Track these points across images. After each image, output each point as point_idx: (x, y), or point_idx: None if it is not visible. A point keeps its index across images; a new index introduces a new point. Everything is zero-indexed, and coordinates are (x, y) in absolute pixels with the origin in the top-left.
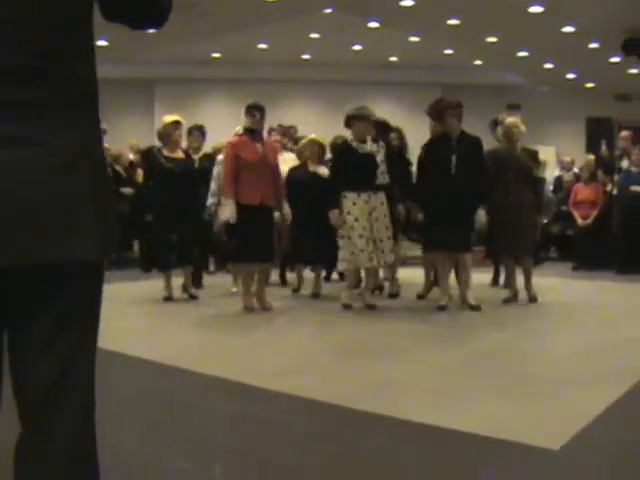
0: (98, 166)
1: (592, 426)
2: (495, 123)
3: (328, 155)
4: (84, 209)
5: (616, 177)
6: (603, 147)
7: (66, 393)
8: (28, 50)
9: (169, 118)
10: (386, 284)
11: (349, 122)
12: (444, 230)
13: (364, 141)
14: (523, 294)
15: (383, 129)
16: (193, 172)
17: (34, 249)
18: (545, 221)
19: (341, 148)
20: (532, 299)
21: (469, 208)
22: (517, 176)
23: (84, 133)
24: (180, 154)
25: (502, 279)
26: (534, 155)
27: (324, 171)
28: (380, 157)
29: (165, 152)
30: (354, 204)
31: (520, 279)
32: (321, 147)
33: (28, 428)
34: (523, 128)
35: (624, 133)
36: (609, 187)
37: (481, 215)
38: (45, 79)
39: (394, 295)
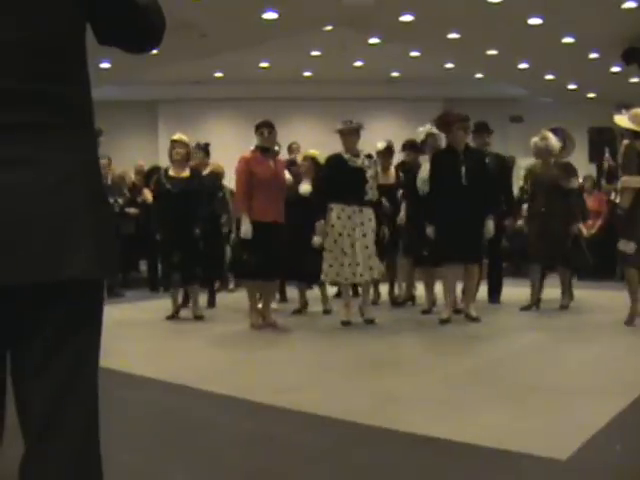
0: (96, 185)
1: (598, 436)
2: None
3: None
4: (82, 227)
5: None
6: (607, 155)
7: (68, 411)
8: (27, 73)
9: (172, 137)
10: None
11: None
12: (457, 242)
13: (356, 155)
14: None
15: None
16: (194, 191)
17: (31, 268)
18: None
19: (332, 160)
20: (563, 306)
21: (481, 219)
22: (548, 189)
23: (82, 153)
24: (185, 173)
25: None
26: (566, 167)
27: (305, 189)
28: (371, 173)
29: (171, 171)
30: (338, 218)
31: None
32: (313, 162)
33: (31, 447)
34: (551, 141)
35: (627, 141)
36: (612, 196)
37: (490, 225)
38: (44, 101)
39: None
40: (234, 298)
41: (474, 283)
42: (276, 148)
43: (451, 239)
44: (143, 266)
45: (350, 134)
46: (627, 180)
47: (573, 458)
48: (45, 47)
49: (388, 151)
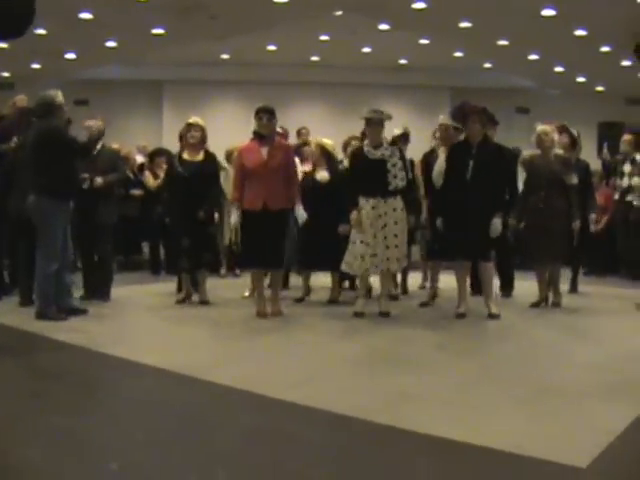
0: None
1: (618, 441)
2: None
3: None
4: None
5: (618, 182)
6: (605, 150)
7: None
8: None
9: (188, 120)
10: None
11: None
12: (460, 238)
13: (378, 145)
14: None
15: None
16: (206, 176)
17: None
18: (597, 228)
19: (353, 154)
20: (555, 303)
21: (487, 216)
22: (549, 183)
23: None
24: (199, 156)
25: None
26: (567, 162)
27: (322, 176)
28: (393, 161)
29: (185, 155)
30: (362, 209)
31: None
32: (323, 151)
33: None
34: (555, 135)
35: (626, 137)
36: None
37: (496, 224)
38: None
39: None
40: (240, 284)
41: (489, 279)
42: (279, 130)
43: (458, 235)
44: (145, 248)
45: (377, 124)
46: None
47: (594, 465)
48: None
49: (404, 137)
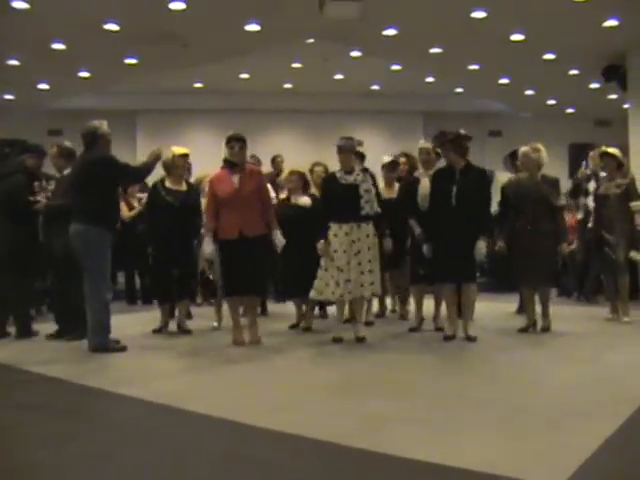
0: None
1: (594, 459)
2: (511, 156)
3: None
4: None
5: (583, 200)
6: (582, 169)
7: None
8: None
9: (179, 150)
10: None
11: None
12: (447, 262)
13: (350, 171)
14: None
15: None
16: (193, 205)
17: None
18: (569, 249)
19: (326, 180)
20: (544, 328)
21: (472, 239)
22: (535, 205)
23: None
24: (183, 186)
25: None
26: (554, 183)
27: (305, 201)
28: (365, 187)
29: (168, 184)
30: (335, 235)
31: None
32: (301, 177)
33: None
34: (543, 154)
35: (593, 153)
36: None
37: (481, 246)
38: None
39: (369, 323)
40: (209, 312)
41: (472, 301)
42: (250, 160)
43: (444, 258)
44: (120, 278)
45: (349, 151)
46: None
47: None
48: None
49: (393, 165)
